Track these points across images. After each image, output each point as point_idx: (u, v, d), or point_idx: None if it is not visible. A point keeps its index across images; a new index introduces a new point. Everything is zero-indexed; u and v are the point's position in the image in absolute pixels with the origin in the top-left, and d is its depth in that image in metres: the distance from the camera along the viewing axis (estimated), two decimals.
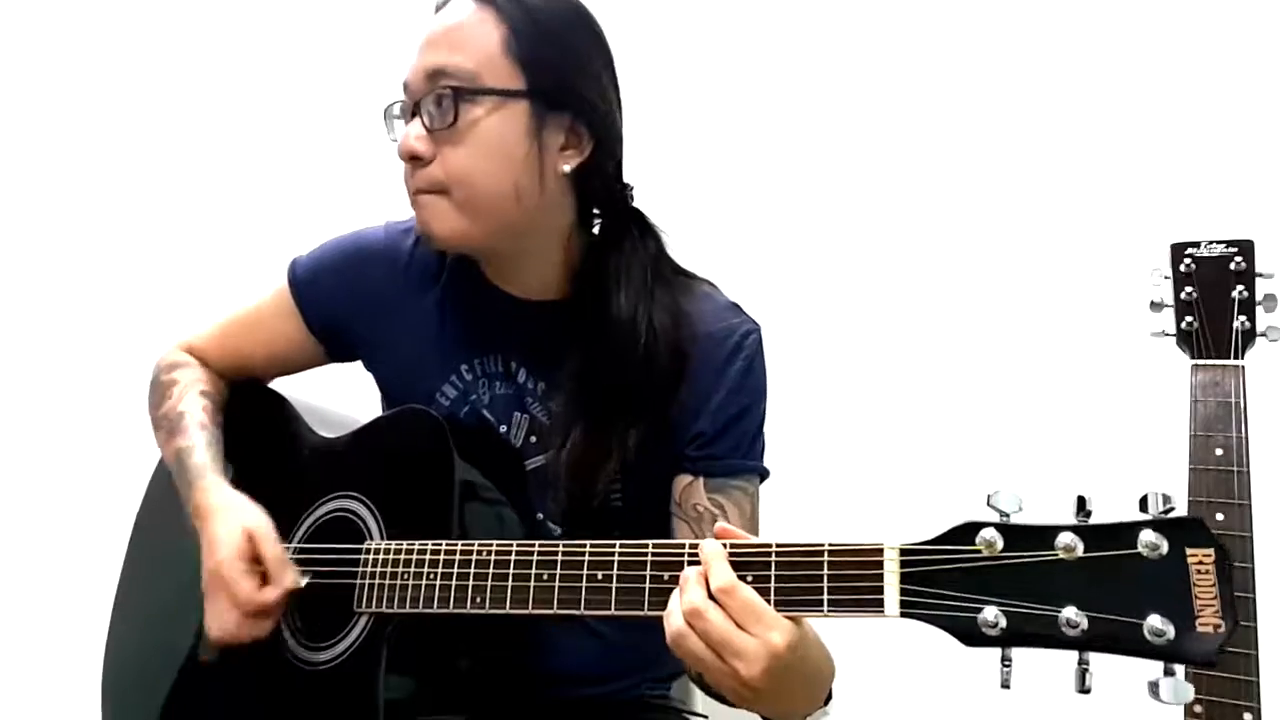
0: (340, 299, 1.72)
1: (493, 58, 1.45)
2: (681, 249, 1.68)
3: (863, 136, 2.38)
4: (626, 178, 1.62)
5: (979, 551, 1.04)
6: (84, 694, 1.80)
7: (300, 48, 2.64)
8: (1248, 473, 1.58)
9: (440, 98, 1.44)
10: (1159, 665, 1.00)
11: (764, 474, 1.61)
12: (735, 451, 1.57)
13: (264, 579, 1.47)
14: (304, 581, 1.50)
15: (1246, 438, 1.59)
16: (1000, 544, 1.03)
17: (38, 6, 2.83)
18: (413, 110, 1.48)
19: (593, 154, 1.53)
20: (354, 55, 1.71)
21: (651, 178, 2.41)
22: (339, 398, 1.82)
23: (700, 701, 1.94)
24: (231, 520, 1.51)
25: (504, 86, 1.45)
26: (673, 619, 1.16)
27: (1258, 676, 1.51)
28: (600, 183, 1.57)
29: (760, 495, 1.60)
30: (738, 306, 1.63)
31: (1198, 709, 1.54)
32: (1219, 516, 1.56)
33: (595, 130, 1.52)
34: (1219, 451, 1.60)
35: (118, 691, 1.78)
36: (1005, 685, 1.05)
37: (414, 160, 1.48)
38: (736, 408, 1.56)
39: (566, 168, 1.52)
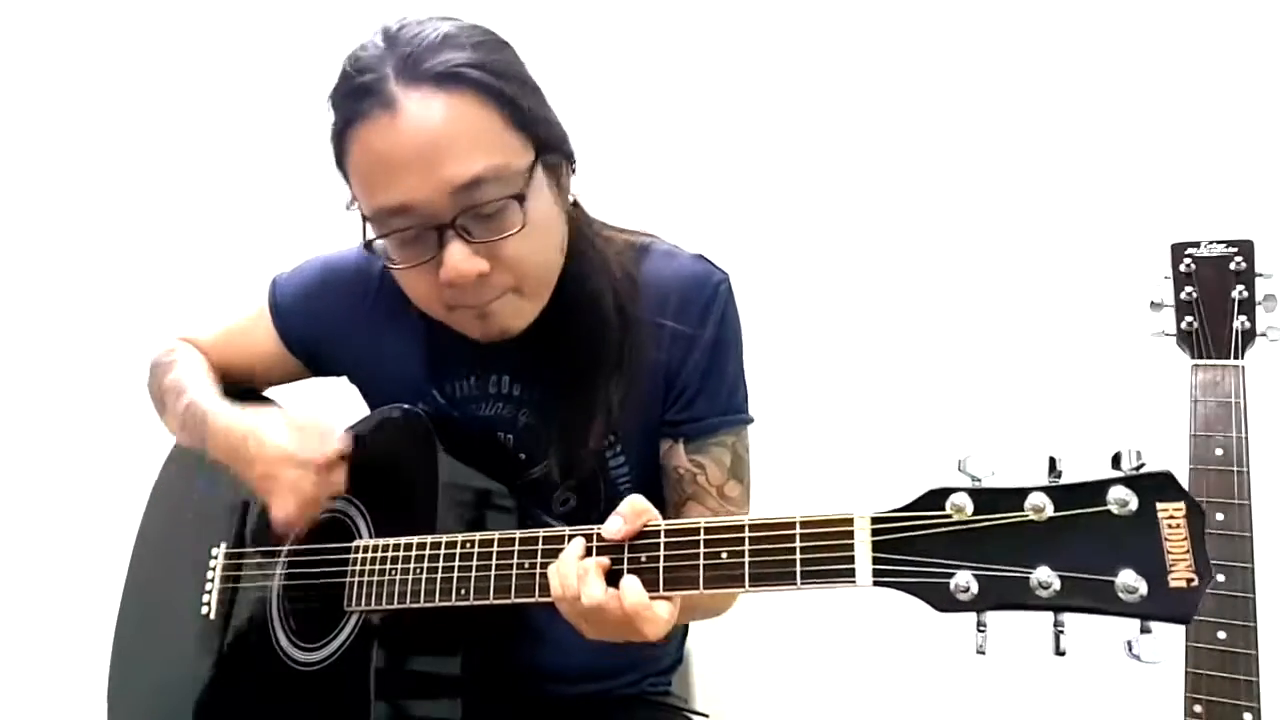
0: (315, 323, 1.72)
1: (506, 140, 1.34)
2: (668, 225, 1.69)
3: (868, 134, 2.39)
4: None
5: (949, 517, 1.04)
6: (90, 697, 1.81)
7: (297, 53, 2.67)
8: (1248, 473, 1.57)
9: (497, 209, 1.33)
10: (1136, 625, 0.98)
11: (748, 421, 1.61)
12: (714, 408, 1.57)
13: None
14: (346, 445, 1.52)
15: (1246, 438, 1.58)
16: (970, 508, 1.03)
17: (32, 17, 2.87)
18: (438, 234, 1.35)
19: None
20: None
21: (636, 160, 2.47)
22: (331, 403, 1.82)
23: (700, 697, 1.94)
24: (261, 411, 1.55)
25: (527, 165, 1.36)
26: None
27: (1258, 676, 1.49)
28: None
29: (749, 439, 1.61)
30: (703, 257, 1.61)
31: (1198, 709, 1.52)
32: (1219, 516, 1.55)
33: (567, 147, 1.48)
34: (1219, 451, 1.58)
35: (120, 693, 1.79)
36: (981, 651, 1.03)
37: (480, 279, 1.37)
38: (713, 361, 1.56)
39: (573, 196, 1.51)
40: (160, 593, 1.78)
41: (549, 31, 2.56)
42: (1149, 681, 1.04)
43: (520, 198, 1.34)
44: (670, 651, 1.82)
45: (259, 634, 1.57)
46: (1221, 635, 1.51)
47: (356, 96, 1.33)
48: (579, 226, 1.56)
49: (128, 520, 1.87)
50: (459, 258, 1.34)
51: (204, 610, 1.67)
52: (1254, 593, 1.51)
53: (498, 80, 1.33)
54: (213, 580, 1.69)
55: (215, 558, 1.70)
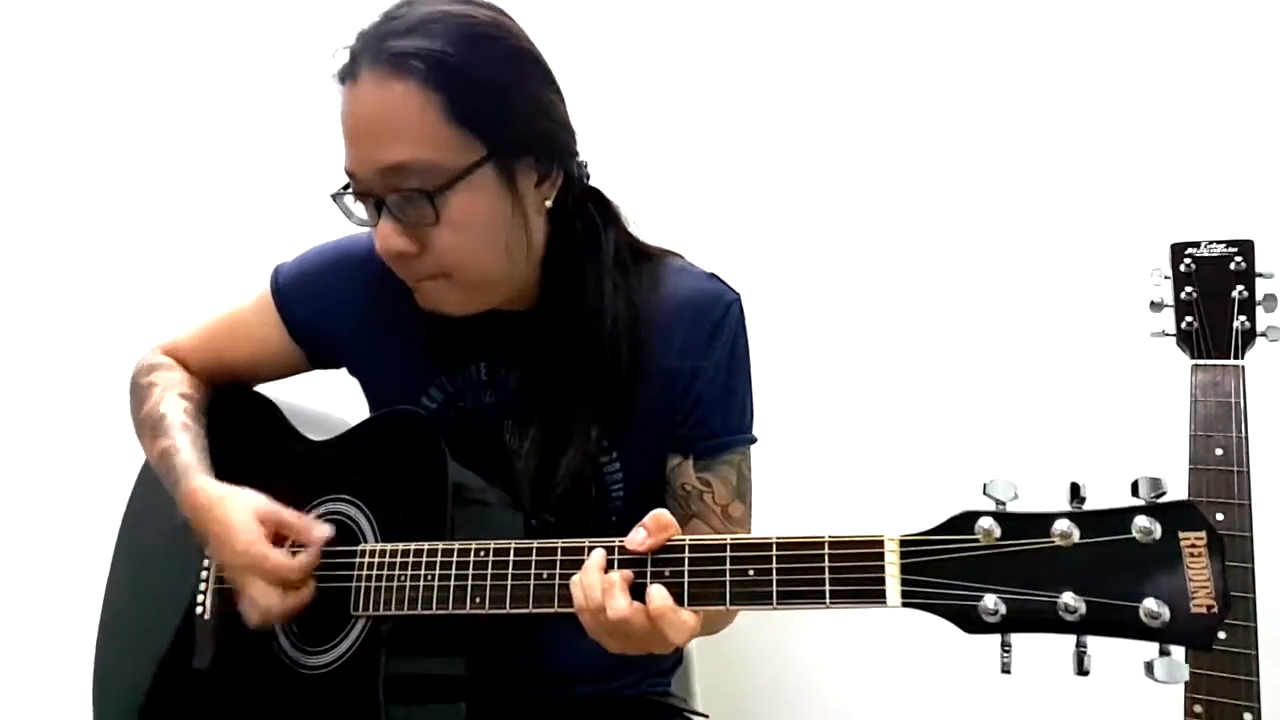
0: (322, 308, 1.70)
1: (442, 135, 1.35)
2: (676, 234, 1.69)
3: (866, 134, 2.39)
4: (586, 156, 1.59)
5: (977, 540, 1.05)
6: (74, 702, 1.79)
7: (291, 47, 2.65)
8: (1248, 473, 1.58)
9: (410, 198, 1.37)
10: (1155, 646, 1.01)
11: (753, 441, 1.63)
12: (724, 427, 1.58)
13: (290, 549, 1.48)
14: (330, 531, 1.49)
15: (1246, 438, 1.60)
16: (998, 532, 1.04)
17: (32, 17, 2.84)
18: (376, 205, 1.41)
19: (564, 175, 1.51)
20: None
21: (646, 163, 2.47)
22: (329, 401, 1.82)
23: (700, 697, 1.95)
24: (237, 506, 1.50)
25: (467, 162, 1.37)
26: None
27: (1258, 676, 1.51)
28: (570, 189, 1.54)
29: (752, 458, 1.62)
30: (715, 276, 1.63)
31: (1198, 709, 1.54)
32: (1219, 516, 1.56)
33: (561, 155, 1.49)
34: (1219, 451, 1.60)
35: (108, 699, 1.76)
36: (1005, 670, 1.05)
37: (400, 256, 1.43)
38: (724, 382, 1.57)
39: (549, 203, 1.50)
40: (148, 592, 1.75)
41: (565, 35, 2.56)
42: (1149, 681, 1.06)
43: (432, 194, 1.37)
44: (670, 653, 1.82)
45: (259, 636, 1.53)
46: (1221, 635, 1.52)
47: (346, 60, 1.40)
48: (619, 250, 1.58)
49: (109, 515, 1.85)
50: (383, 233, 1.41)
51: (198, 610, 1.64)
52: (1254, 593, 1.53)
53: (450, 74, 1.34)
54: (207, 580, 1.65)
55: (209, 556, 1.66)
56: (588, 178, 1.59)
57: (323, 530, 1.48)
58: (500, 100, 1.39)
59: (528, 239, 1.49)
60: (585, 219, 1.57)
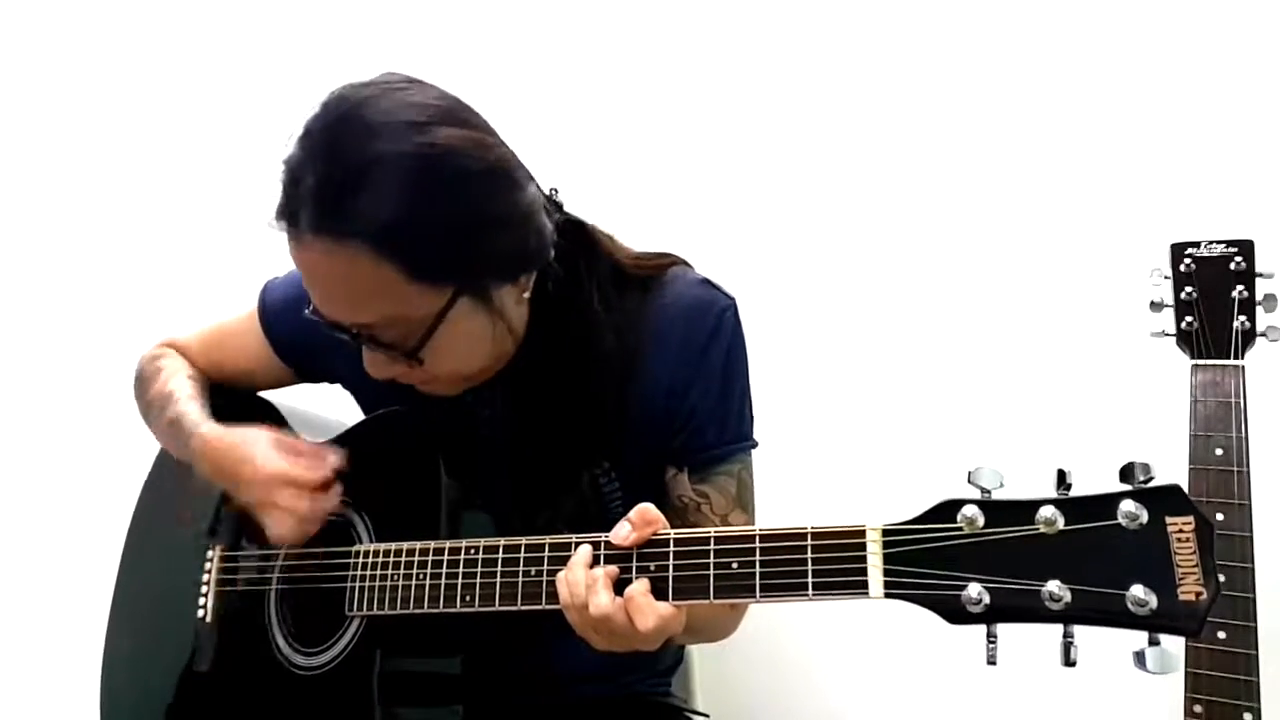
0: (307, 329, 1.65)
1: (405, 293, 1.30)
2: (668, 234, 1.68)
3: (866, 133, 2.38)
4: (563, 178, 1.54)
5: (960, 529, 1.04)
6: (82, 701, 1.80)
7: (291, 55, 2.66)
8: (1248, 473, 1.58)
9: (386, 348, 1.37)
10: (1144, 636, 0.99)
11: (754, 446, 1.59)
12: (720, 438, 1.54)
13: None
14: (342, 459, 1.51)
15: (1246, 438, 1.59)
16: (981, 520, 1.03)
17: (32, 17, 2.86)
18: (353, 338, 1.38)
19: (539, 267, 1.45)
20: (344, 64, 1.68)
21: (643, 165, 2.46)
22: (327, 405, 1.82)
23: (700, 697, 1.94)
24: (251, 435, 1.54)
25: (436, 308, 1.33)
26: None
27: (1258, 676, 1.51)
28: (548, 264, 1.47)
29: (753, 463, 1.59)
30: (709, 282, 1.58)
31: (1198, 709, 1.53)
32: (1219, 516, 1.56)
33: (534, 257, 1.41)
34: (1219, 451, 1.60)
35: (113, 698, 1.78)
36: (991, 662, 1.04)
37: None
38: (719, 391, 1.54)
39: (526, 295, 1.45)
40: (153, 595, 1.77)
41: (568, 36, 2.58)
42: (1149, 681, 1.05)
43: (409, 352, 1.36)
44: (670, 652, 1.82)
45: (258, 638, 1.56)
46: (1221, 635, 1.52)
47: (282, 198, 1.31)
48: (606, 280, 1.54)
49: (117, 519, 1.87)
50: (371, 365, 1.42)
51: (200, 613, 1.66)
52: (1254, 593, 1.53)
53: (404, 240, 1.26)
54: (208, 582, 1.67)
55: (210, 559, 1.69)
56: (561, 206, 1.52)
57: (336, 456, 1.50)
58: (462, 244, 1.32)
59: (511, 327, 1.46)
60: (564, 260, 1.50)
